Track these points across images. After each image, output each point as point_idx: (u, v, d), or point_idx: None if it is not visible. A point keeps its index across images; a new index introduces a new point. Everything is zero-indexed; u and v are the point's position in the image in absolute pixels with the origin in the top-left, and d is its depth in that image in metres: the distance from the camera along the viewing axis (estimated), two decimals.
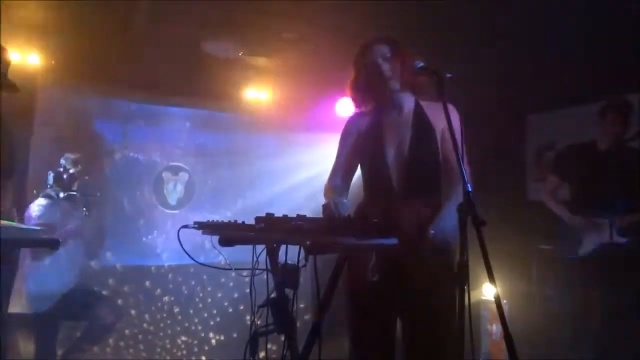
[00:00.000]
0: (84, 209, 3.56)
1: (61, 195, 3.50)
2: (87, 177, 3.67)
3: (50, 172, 3.52)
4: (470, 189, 1.63)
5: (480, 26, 3.52)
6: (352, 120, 2.35)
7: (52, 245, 1.69)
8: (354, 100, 2.31)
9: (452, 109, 2.02)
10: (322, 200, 2.04)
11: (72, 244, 3.52)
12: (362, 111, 2.31)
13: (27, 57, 3.87)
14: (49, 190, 3.49)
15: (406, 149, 2.17)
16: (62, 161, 3.58)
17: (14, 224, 2.44)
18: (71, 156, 3.62)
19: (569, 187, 3.49)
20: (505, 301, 3.86)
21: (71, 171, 3.54)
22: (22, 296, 3.30)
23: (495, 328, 3.96)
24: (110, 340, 4.16)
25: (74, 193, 3.53)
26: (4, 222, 2.06)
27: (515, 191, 4.49)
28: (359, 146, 2.28)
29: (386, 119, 2.24)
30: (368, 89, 2.24)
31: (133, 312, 4.47)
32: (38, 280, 3.37)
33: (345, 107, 4.79)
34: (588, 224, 3.32)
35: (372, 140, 2.23)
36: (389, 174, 2.16)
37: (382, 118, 2.25)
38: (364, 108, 2.30)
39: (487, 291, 4.06)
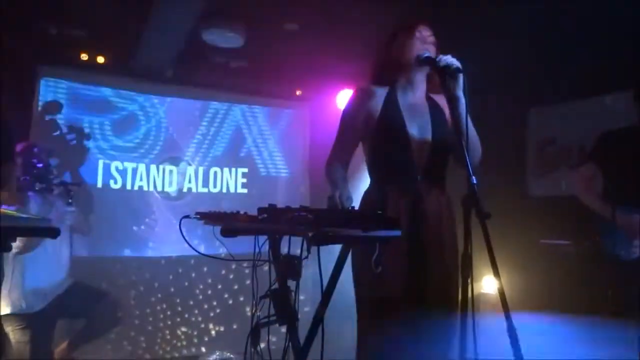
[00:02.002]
0: (70, 199, 3.43)
1: (37, 187, 3.30)
2: (68, 168, 3.56)
3: (22, 164, 3.29)
4: (475, 181, 1.62)
5: (483, 20, 3.49)
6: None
7: (51, 234, 1.66)
8: (374, 75, 2.22)
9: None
10: (326, 185, 2.02)
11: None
12: (370, 88, 2.19)
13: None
14: (21, 184, 3.24)
15: (429, 131, 2.09)
16: (35, 149, 3.37)
17: (13, 212, 2.41)
18: (44, 147, 3.46)
19: (608, 177, 3.03)
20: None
21: (45, 162, 3.35)
22: (11, 294, 3.22)
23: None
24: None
25: (52, 184, 3.36)
26: (3, 210, 2.05)
27: (516, 186, 4.47)
28: (372, 126, 2.12)
29: (402, 100, 2.14)
30: (396, 65, 2.14)
31: (133, 303, 4.47)
32: (27, 277, 3.27)
33: (346, 99, 4.77)
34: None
35: (392, 120, 2.10)
36: (412, 157, 2.06)
37: (398, 98, 2.14)
38: (377, 85, 2.19)
39: (486, 284, 4.06)
